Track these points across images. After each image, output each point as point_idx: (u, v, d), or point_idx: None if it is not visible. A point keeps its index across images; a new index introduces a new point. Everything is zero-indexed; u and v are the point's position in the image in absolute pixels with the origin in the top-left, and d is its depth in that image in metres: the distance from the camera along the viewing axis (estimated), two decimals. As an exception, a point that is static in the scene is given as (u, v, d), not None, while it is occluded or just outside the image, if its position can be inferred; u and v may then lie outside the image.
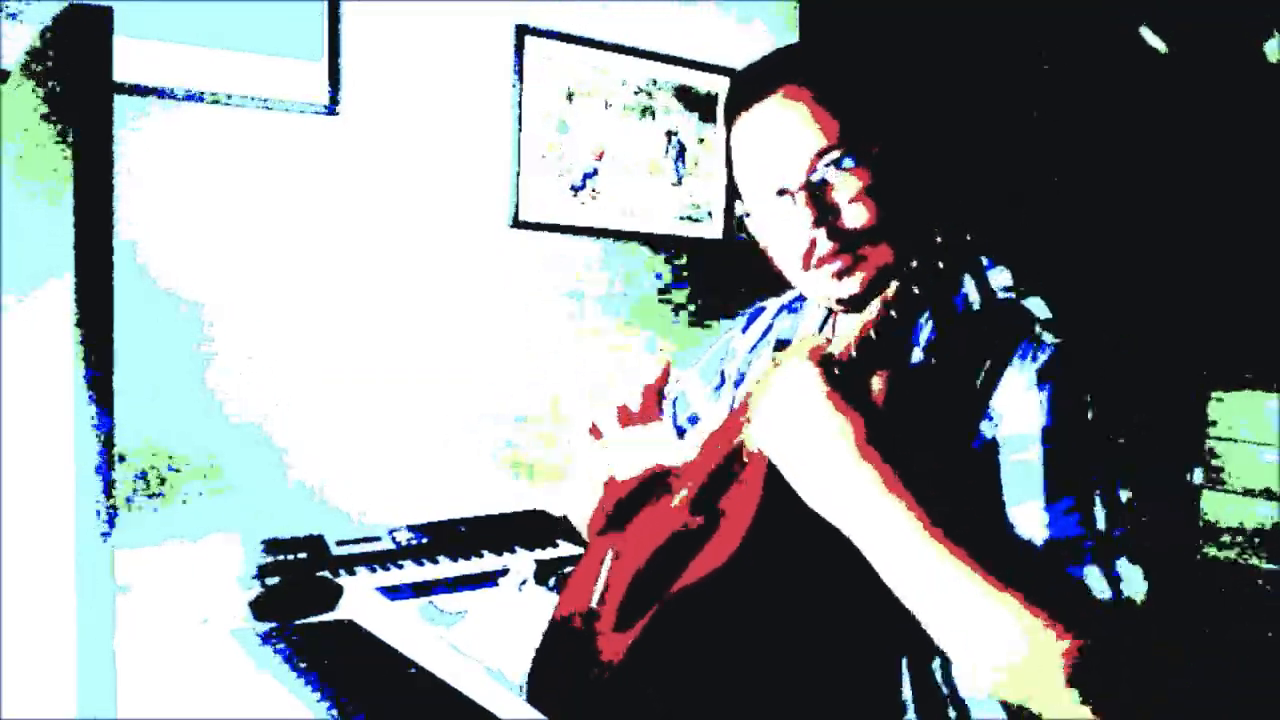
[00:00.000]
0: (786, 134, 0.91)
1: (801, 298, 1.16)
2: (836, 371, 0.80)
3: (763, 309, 1.24)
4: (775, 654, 0.85)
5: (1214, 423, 2.48)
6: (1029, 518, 0.80)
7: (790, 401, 0.80)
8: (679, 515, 0.96)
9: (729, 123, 0.98)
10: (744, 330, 1.24)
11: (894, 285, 0.79)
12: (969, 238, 0.97)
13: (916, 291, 0.77)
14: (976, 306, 0.92)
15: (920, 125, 0.96)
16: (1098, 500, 0.79)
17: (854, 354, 0.81)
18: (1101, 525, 0.78)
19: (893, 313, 0.79)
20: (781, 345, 1.15)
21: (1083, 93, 2.47)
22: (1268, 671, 1.88)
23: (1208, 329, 2.40)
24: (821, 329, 1.10)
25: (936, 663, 0.86)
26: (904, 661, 0.87)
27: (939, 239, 0.77)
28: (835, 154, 0.89)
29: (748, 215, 0.99)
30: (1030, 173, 2.50)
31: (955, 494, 0.81)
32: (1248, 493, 2.42)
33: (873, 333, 0.80)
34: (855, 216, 0.89)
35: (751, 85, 0.95)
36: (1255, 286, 2.35)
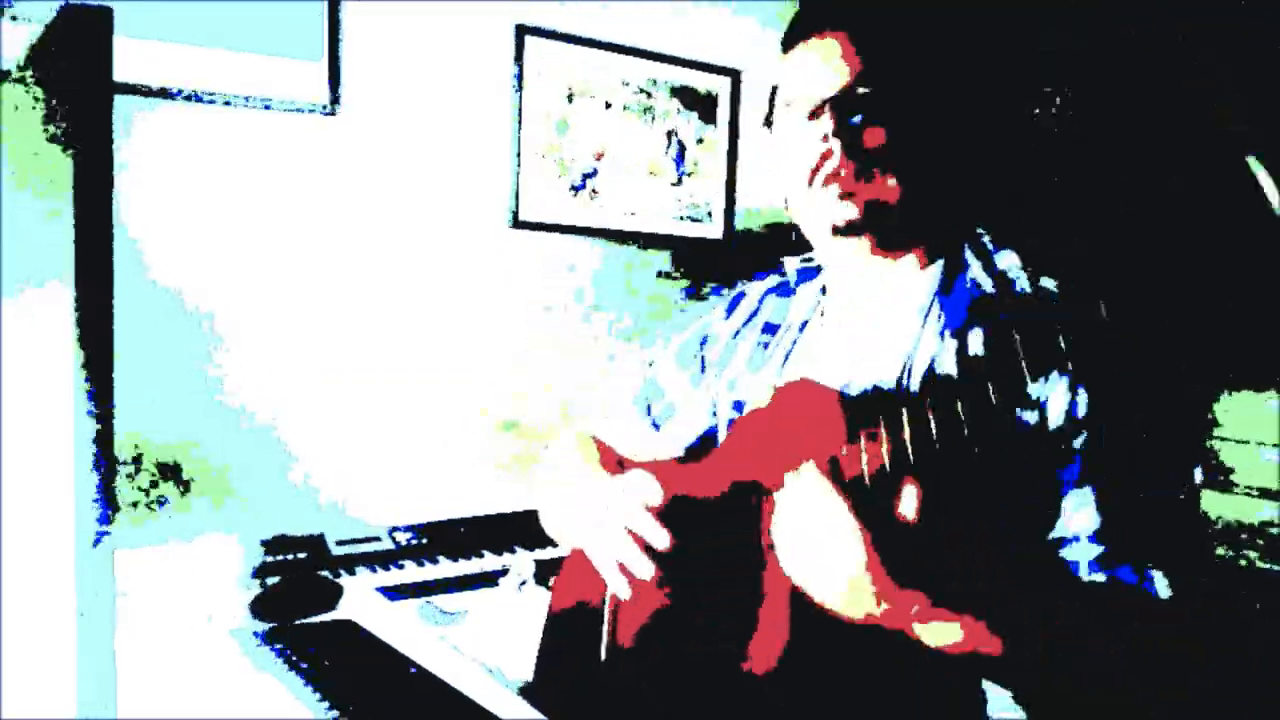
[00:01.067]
0: (820, 64, 0.95)
1: (786, 284, 1.16)
2: (858, 492, 0.79)
3: (744, 294, 1.23)
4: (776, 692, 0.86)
5: (1214, 423, 2.48)
6: (1080, 508, 0.82)
7: (810, 537, 0.80)
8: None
9: (785, 49, 1.02)
10: (726, 315, 1.23)
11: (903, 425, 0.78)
12: (978, 227, 0.97)
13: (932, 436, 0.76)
14: (989, 289, 0.92)
15: (948, 73, 1.01)
16: (1145, 492, 0.82)
17: (869, 482, 0.80)
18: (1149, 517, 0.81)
19: (909, 448, 0.78)
20: (770, 329, 1.14)
21: (1083, 93, 2.47)
22: (1268, 671, 1.88)
23: (1208, 329, 2.39)
24: (808, 321, 1.09)
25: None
26: None
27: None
28: (863, 89, 0.93)
29: (769, 125, 1.03)
30: (1031, 172, 2.49)
31: (999, 516, 0.81)
32: (1248, 492, 2.42)
33: (887, 464, 0.79)
34: (873, 140, 0.92)
35: (795, 28, 1.00)
36: (1255, 286, 2.35)
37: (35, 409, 0.63)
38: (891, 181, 0.93)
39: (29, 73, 0.63)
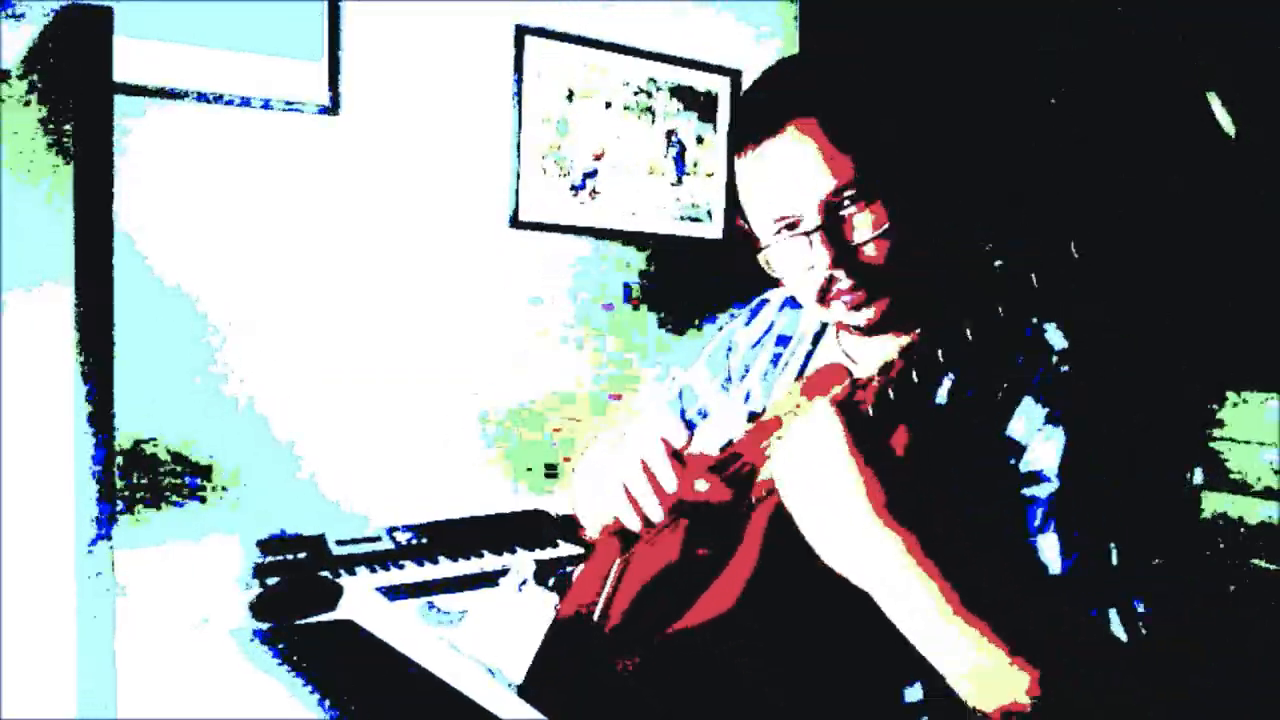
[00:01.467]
0: (799, 172, 0.89)
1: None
2: (861, 424, 0.79)
3: (766, 301, 1.24)
4: (775, 692, 0.85)
5: (1214, 423, 2.48)
6: (1045, 551, 0.81)
7: (813, 458, 0.79)
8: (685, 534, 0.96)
9: (736, 152, 0.96)
10: (747, 323, 1.24)
11: (915, 340, 0.78)
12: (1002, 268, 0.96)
13: (941, 357, 0.76)
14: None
15: (932, 147, 0.94)
16: (1112, 536, 0.79)
17: (872, 410, 0.80)
18: (1115, 561, 0.79)
19: (914, 374, 0.78)
20: (783, 341, 1.15)
21: (1084, 92, 2.47)
22: (1268, 671, 1.88)
23: (1208, 329, 2.40)
24: (821, 332, 1.10)
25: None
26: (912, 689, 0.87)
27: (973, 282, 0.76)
28: (850, 192, 0.88)
29: (760, 250, 0.97)
30: (1032, 173, 2.49)
31: (976, 531, 0.81)
32: (1248, 493, 2.42)
33: (892, 392, 0.79)
34: (873, 253, 0.88)
35: (760, 119, 0.92)
36: (1256, 286, 2.35)
37: (35, 409, 0.63)
38: (900, 281, 0.90)
39: (29, 73, 0.63)
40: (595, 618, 1.01)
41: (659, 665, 0.88)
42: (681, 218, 2.62)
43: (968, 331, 0.74)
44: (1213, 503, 2.46)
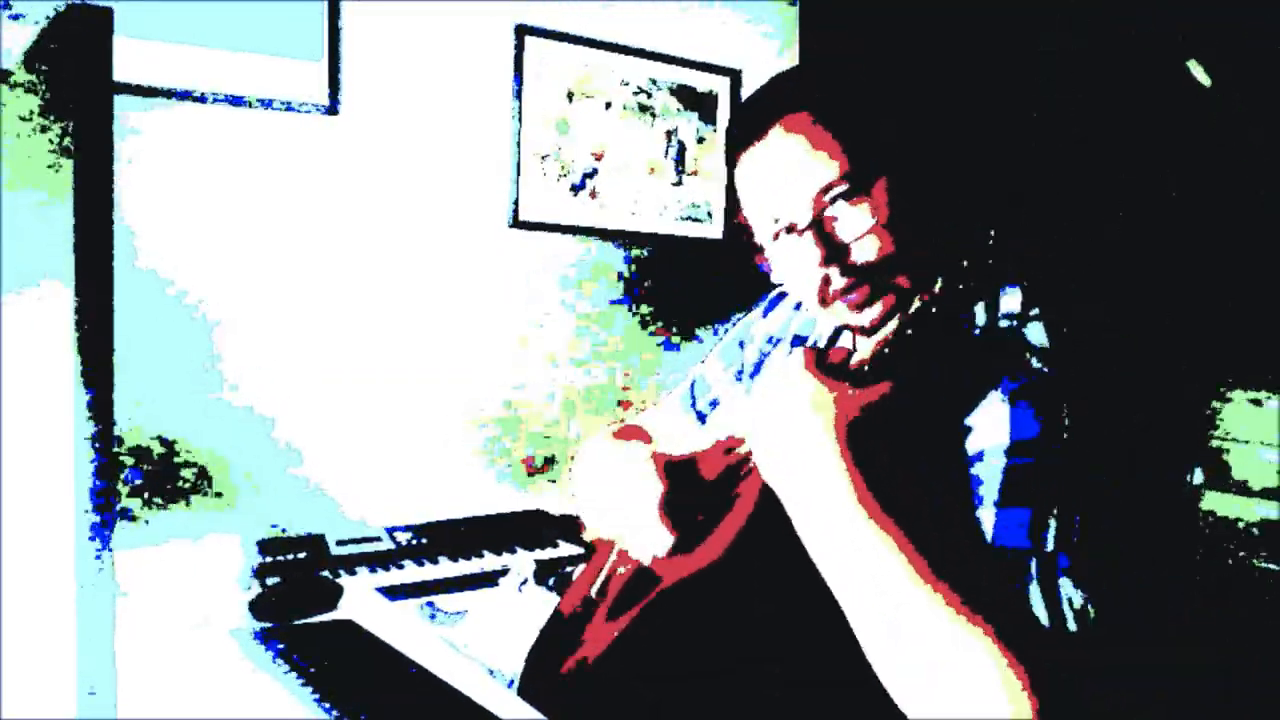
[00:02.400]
0: (789, 171, 0.89)
1: None
2: (832, 369, 0.80)
3: (784, 295, 1.22)
4: (754, 656, 0.84)
5: (1215, 423, 2.48)
6: (982, 521, 0.80)
7: (775, 396, 0.79)
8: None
9: (732, 160, 0.96)
10: (764, 315, 1.23)
11: (914, 306, 0.78)
12: (991, 261, 0.96)
13: (934, 311, 0.76)
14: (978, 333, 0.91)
15: (924, 144, 0.93)
16: (1051, 520, 0.78)
17: (867, 367, 0.80)
18: (1050, 542, 0.77)
19: (909, 331, 0.78)
20: (799, 340, 1.14)
21: (1084, 92, 2.47)
22: (1268, 671, 1.88)
23: (1208, 329, 2.40)
24: (838, 332, 1.08)
25: None
26: None
27: (964, 262, 0.76)
28: (841, 188, 0.87)
29: (759, 250, 0.97)
30: (1032, 173, 2.49)
31: (935, 510, 0.80)
32: (1248, 492, 2.42)
33: (885, 349, 0.79)
34: (866, 249, 0.88)
35: (751, 121, 0.92)
36: (1256, 286, 2.35)
37: (35, 409, 0.63)
38: (899, 277, 0.89)
39: (29, 73, 0.63)
40: (593, 594, 1.02)
41: (644, 625, 0.87)
42: (681, 218, 2.62)
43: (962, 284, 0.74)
44: (1213, 503, 2.46)
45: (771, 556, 0.82)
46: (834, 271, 0.88)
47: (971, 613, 0.70)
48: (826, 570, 0.76)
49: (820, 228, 0.88)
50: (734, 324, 1.31)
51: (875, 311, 0.90)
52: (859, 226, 0.87)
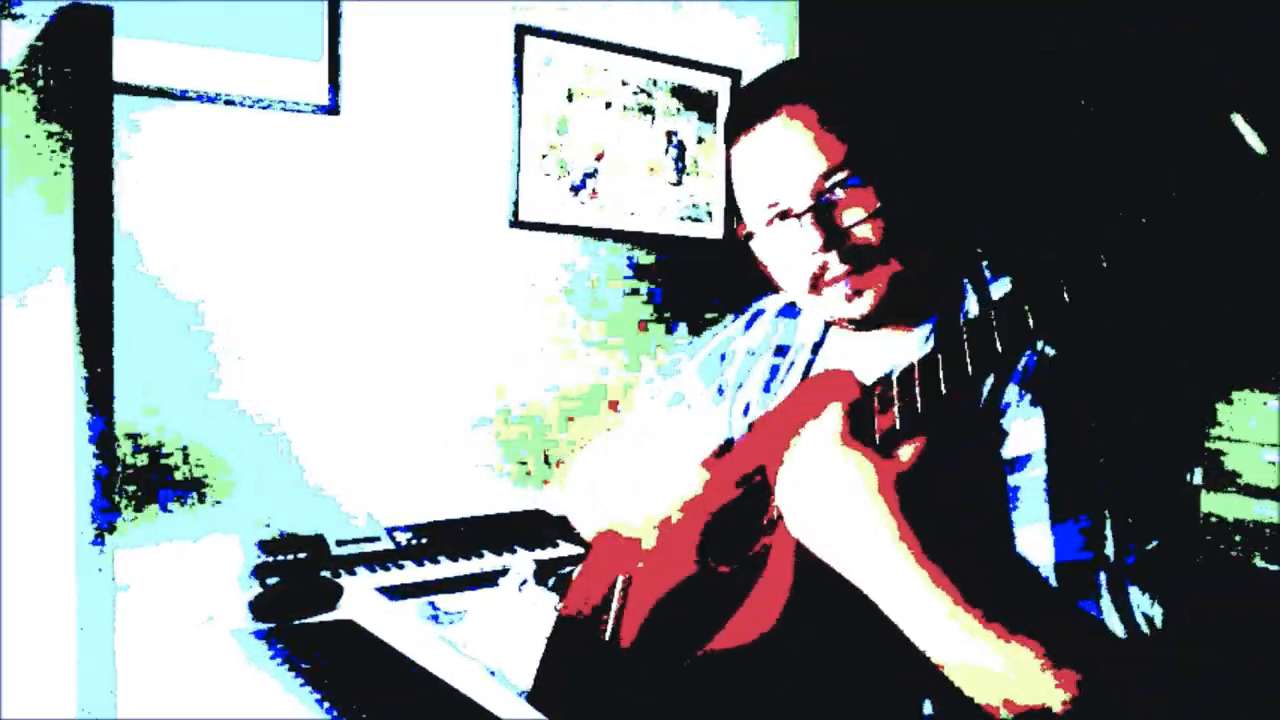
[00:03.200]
0: (790, 156, 0.89)
1: (793, 304, 1.15)
2: (871, 442, 0.78)
3: (763, 310, 1.22)
4: (809, 707, 0.84)
5: (1214, 423, 2.48)
6: (1036, 540, 0.80)
7: (806, 465, 0.79)
8: (693, 547, 0.96)
9: (730, 142, 0.96)
10: (744, 331, 1.21)
11: (936, 348, 0.76)
12: (978, 250, 0.95)
13: (970, 364, 0.74)
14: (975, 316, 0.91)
15: (925, 135, 0.94)
16: (1107, 522, 0.78)
17: (891, 424, 0.78)
18: (1111, 549, 0.78)
19: (942, 384, 0.76)
20: (781, 351, 1.13)
21: (1084, 92, 2.47)
22: (1268, 671, 1.88)
23: (1209, 329, 2.40)
24: (823, 339, 1.08)
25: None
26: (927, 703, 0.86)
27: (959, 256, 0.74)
28: (841, 175, 0.87)
29: (749, 237, 0.96)
30: (1032, 172, 2.49)
31: (973, 526, 0.80)
32: (1248, 492, 2.42)
33: (919, 404, 0.77)
34: (865, 236, 0.88)
35: (753, 105, 0.92)
36: (1256, 287, 2.35)
37: (35, 408, 0.63)
38: (894, 266, 0.89)
39: (29, 73, 0.63)
40: (607, 635, 1.00)
41: (693, 686, 0.87)
42: (681, 218, 2.62)
43: (996, 337, 0.72)
44: (1213, 503, 2.46)
45: (824, 622, 0.82)
46: (832, 258, 0.88)
47: (1003, 631, 0.72)
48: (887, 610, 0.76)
49: (820, 213, 0.88)
50: (713, 336, 1.29)
51: (867, 304, 0.90)
52: (857, 215, 0.87)
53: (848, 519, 0.75)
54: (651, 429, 1.29)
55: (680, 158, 2.60)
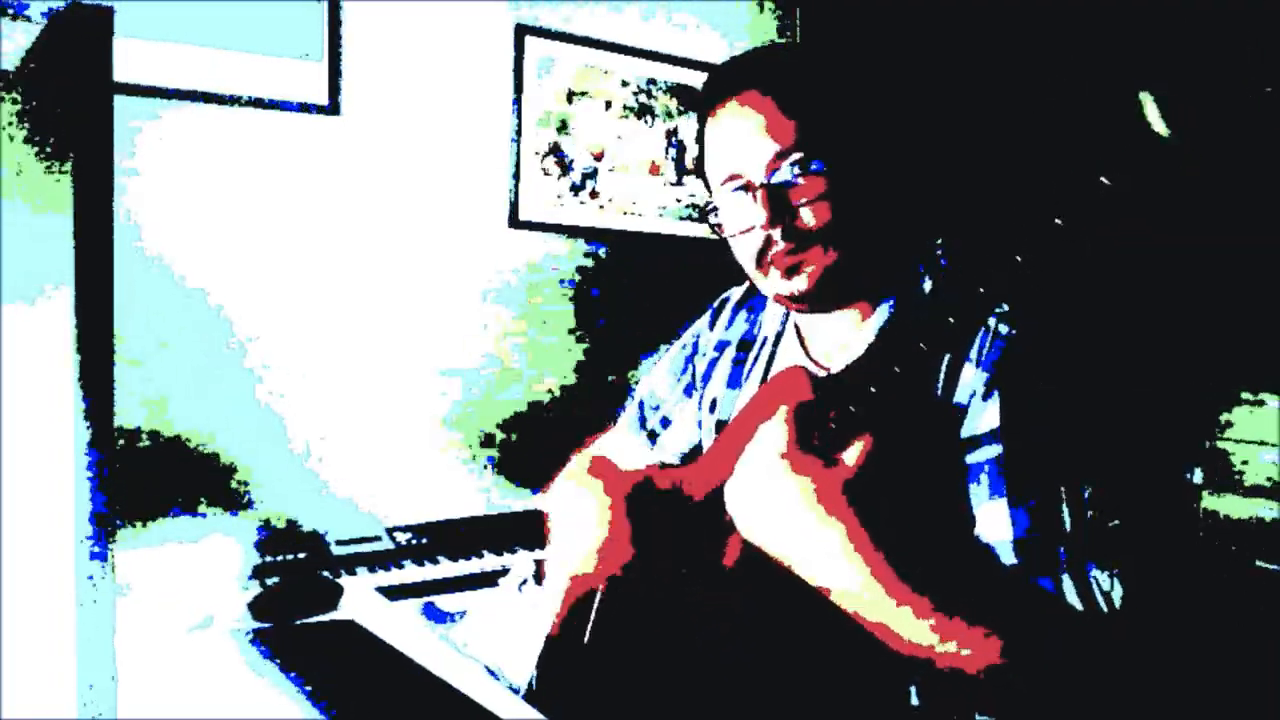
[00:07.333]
0: (748, 134, 0.93)
1: (760, 296, 1.16)
2: (816, 429, 0.79)
3: (727, 299, 1.24)
4: (797, 699, 0.85)
5: (1215, 423, 2.48)
6: (994, 518, 0.81)
7: (751, 481, 0.80)
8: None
9: (700, 123, 1.01)
10: (710, 325, 1.23)
11: (884, 335, 0.77)
12: (935, 237, 0.97)
13: (923, 346, 0.76)
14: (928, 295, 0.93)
15: (882, 130, 0.97)
16: (1063, 500, 0.79)
17: (836, 424, 0.80)
18: (1068, 526, 0.79)
19: (895, 368, 0.77)
20: (744, 344, 1.15)
21: (1084, 91, 2.47)
22: (1268, 671, 1.88)
23: (1209, 329, 2.40)
24: (782, 331, 1.09)
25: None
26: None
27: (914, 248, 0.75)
28: (794, 156, 0.91)
29: (713, 210, 1.00)
30: (1031, 171, 2.49)
31: (931, 510, 0.80)
32: (1248, 492, 2.42)
33: (871, 391, 0.78)
34: (810, 218, 0.92)
35: (718, 87, 0.98)
36: (1256, 287, 2.35)
37: (35, 408, 0.63)
38: (833, 250, 0.92)
39: (29, 73, 0.63)
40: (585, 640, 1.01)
41: (681, 681, 0.88)
42: (681, 218, 2.62)
43: (947, 313, 0.74)
44: (1213, 503, 2.46)
45: (808, 614, 0.82)
46: (776, 233, 0.92)
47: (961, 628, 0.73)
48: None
49: (771, 191, 0.92)
50: (680, 335, 1.30)
51: (804, 281, 0.93)
52: (805, 195, 0.91)
53: (793, 533, 0.77)
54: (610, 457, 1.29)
55: (680, 158, 2.60)
